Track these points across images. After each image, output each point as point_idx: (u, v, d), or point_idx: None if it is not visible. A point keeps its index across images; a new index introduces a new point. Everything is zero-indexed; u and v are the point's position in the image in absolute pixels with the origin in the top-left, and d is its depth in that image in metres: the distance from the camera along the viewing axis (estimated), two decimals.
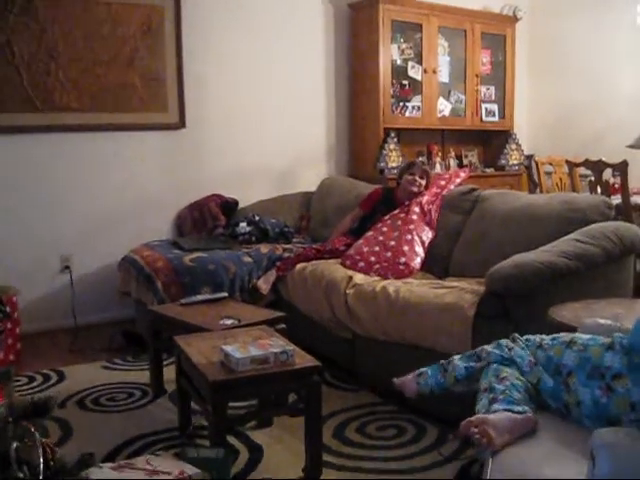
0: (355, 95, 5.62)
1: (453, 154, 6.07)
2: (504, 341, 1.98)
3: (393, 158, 5.40)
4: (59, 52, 4.53)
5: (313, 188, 5.25)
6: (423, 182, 4.05)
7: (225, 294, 3.54)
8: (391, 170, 5.32)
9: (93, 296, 4.67)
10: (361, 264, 3.70)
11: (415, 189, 3.99)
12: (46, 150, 4.54)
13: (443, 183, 4.13)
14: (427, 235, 3.86)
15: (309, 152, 5.57)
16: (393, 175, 5.11)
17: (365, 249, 3.78)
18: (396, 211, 4.00)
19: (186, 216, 4.89)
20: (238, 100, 5.16)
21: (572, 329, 2.12)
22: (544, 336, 1.91)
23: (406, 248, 3.70)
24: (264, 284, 3.99)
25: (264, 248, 4.30)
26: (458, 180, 4.18)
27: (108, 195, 4.75)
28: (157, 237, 4.73)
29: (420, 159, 5.19)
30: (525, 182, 6.21)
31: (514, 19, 6.17)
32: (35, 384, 3.57)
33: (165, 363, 3.40)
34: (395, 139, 5.43)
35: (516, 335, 1.97)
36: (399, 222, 3.89)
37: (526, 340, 1.92)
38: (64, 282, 4.63)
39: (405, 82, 5.60)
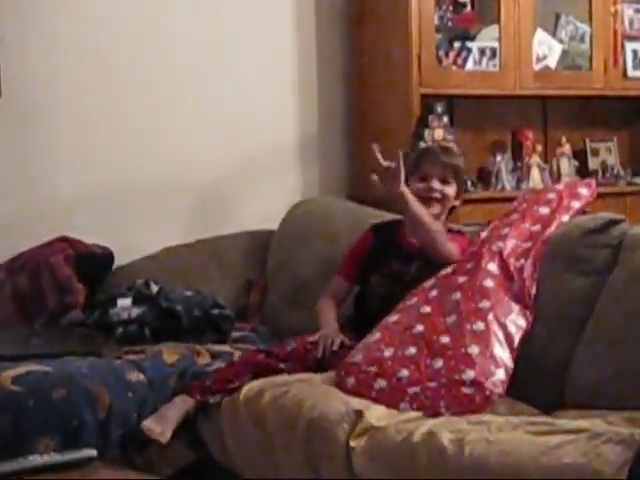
0: (359, 31, 4.53)
1: (567, 148, 4.82)
2: None
3: None
4: None
5: (271, 224, 4.20)
6: (449, 189, 3.30)
7: (91, 452, 2.72)
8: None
9: None
10: (380, 384, 2.86)
11: (434, 209, 3.27)
12: None
13: (547, 211, 3.24)
14: (518, 321, 2.99)
15: (264, 152, 4.44)
16: None
17: (386, 353, 2.94)
18: (448, 269, 3.17)
19: (2, 284, 4.11)
20: (116, 55, 4.18)
21: None
22: None
23: (475, 350, 2.86)
24: (158, 425, 3.07)
25: (171, 352, 3.46)
26: (577, 204, 3.25)
27: None
28: None
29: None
30: None
31: None
32: None
33: None
34: (445, 118, 4.32)
35: None
36: (456, 294, 3.02)
37: None
38: None
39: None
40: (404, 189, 3.09)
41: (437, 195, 3.23)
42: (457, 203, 3.31)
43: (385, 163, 3.11)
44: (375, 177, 3.24)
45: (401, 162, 3.09)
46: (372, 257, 3.43)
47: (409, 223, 3.26)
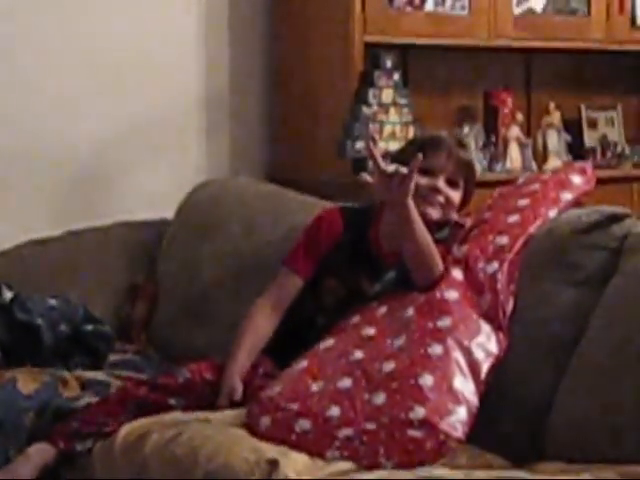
0: None
1: (557, 118, 4.67)
2: None
3: (390, 127, 4.03)
4: None
5: (164, 211, 3.78)
6: (454, 195, 3.00)
7: None
8: (385, 160, 3.64)
9: None
10: (303, 425, 2.73)
11: (435, 212, 3.01)
12: None
13: (527, 203, 3.09)
14: (487, 345, 2.87)
15: (156, 116, 4.13)
16: None
17: (314, 387, 2.76)
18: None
19: None
20: None
21: None
22: None
23: (428, 381, 2.79)
24: None
25: (27, 380, 3.09)
26: (569, 196, 3.07)
27: None
28: None
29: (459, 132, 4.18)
30: None
31: None
32: None
33: None
34: (396, 76, 4.07)
35: None
36: (409, 309, 2.89)
37: None
38: None
39: None
40: (411, 202, 2.79)
41: (440, 199, 2.91)
42: (455, 217, 2.94)
43: (391, 168, 2.76)
44: (367, 177, 2.94)
45: (415, 169, 2.80)
46: (333, 253, 2.99)
47: (399, 234, 2.89)
